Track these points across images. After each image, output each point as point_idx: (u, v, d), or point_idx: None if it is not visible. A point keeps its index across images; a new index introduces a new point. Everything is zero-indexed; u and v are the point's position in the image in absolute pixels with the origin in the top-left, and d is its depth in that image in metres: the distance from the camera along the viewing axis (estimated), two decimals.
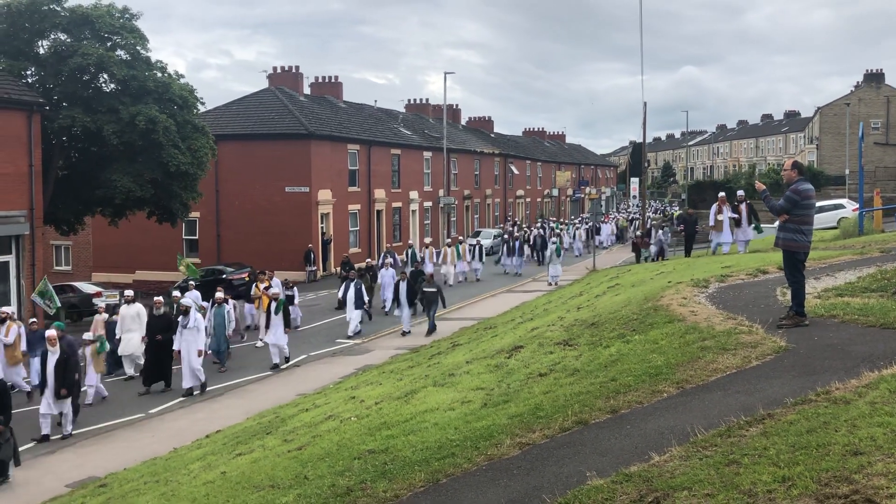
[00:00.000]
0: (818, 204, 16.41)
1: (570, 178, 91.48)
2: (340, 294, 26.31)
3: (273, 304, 21.13)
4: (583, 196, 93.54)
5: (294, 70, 50.23)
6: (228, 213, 42.55)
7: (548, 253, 43.11)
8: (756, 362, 8.06)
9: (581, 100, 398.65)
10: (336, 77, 54.70)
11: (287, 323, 21.24)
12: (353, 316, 24.52)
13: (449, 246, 36.70)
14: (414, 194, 53.83)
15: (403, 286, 24.18)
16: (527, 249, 44.38)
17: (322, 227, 43.07)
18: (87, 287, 34.91)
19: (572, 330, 12.60)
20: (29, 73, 29.90)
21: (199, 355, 18.49)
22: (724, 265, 17.07)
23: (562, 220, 63.43)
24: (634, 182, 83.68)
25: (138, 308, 20.90)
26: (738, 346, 8.62)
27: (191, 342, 18.50)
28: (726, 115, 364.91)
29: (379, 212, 49.23)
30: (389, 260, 31.54)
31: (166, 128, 29.27)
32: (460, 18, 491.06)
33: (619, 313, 12.58)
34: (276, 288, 24.56)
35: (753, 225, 23.50)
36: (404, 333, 23.94)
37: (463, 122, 76.56)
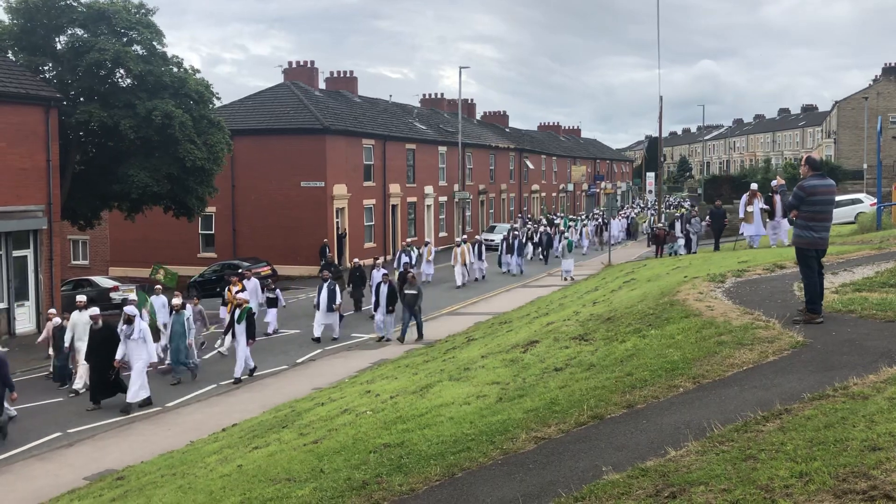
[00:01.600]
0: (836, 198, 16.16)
1: (585, 172, 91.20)
2: (315, 300, 24.11)
3: (237, 311, 19.43)
4: (598, 191, 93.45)
5: (309, 65, 50.32)
6: (244, 207, 42.69)
7: (560, 248, 42.90)
8: (773, 357, 8.02)
9: (597, 94, 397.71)
10: (351, 72, 54.78)
11: (251, 333, 19.29)
12: (322, 320, 23.20)
13: (458, 245, 34.61)
14: (429, 189, 53.82)
15: (385, 289, 22.64)
16: (530, 247, 43.06)
17: (337, 222, 43.15)
18: (104, 281, 35.08)
19: (588, 325, 12.59)
20: (46, 68, 30.07)
21: (147, 367, 17.16)
22: (740, 260, 17.00)
23: (569, 215, 62.10)
24: (650, 177, 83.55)
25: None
26: (754, 342, 8.59)
27: (135, 354, 17.08)
28: (744, 109, 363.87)
29: (394, 206, 49.24)
30: (381, 260, 29.60)
31: (182, 123, 29.37)
32: (476, 12, 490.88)
33: (634, 308, 12.56)
34: (248, 293, 22.99)
35: (788, 217, 22.75)
36: (380, 339, 22.44)
37: (478, 116, 76.47)
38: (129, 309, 17.79)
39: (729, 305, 10.91)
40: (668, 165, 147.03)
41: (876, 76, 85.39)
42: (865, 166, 63.10)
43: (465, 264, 33.93)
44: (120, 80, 30.57)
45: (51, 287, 27.30)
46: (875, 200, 30.54)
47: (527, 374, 9.95)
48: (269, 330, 25.04)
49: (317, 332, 23.20)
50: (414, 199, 51.94)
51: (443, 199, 56.05)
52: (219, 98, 33.83)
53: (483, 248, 36.54)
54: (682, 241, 33.12)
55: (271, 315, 25.26)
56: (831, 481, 4.78)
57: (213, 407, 16.80)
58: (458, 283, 33.44)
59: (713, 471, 5.28)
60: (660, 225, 37.79)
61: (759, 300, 11.20)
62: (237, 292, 22.12)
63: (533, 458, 6.50)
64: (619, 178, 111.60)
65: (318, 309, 23.45)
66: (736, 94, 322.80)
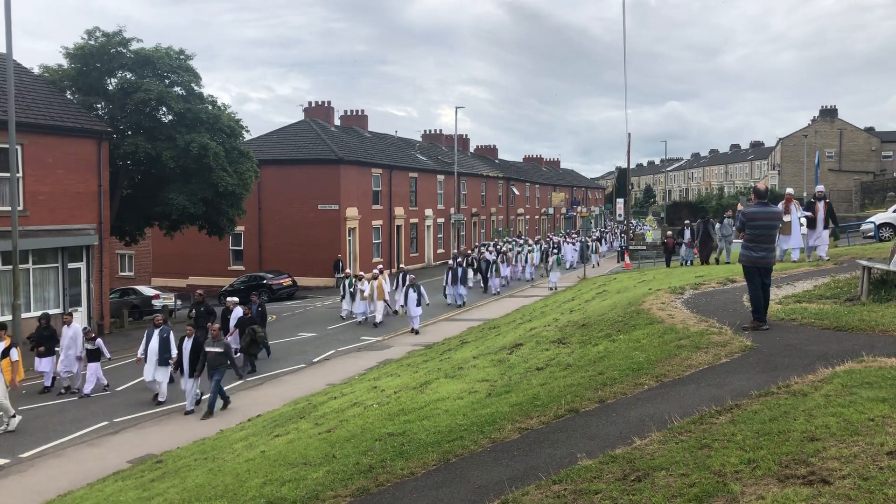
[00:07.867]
0: None
1: (563, 198, 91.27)
2: (141, 350, 16.83)
3: None
4: (574, 214, 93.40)
5: (326, 104, 50.42)
6: (269, 227, 42.68)
7: (551, 262, 42.25)
8: (725, 359, 8.01)
9: (578, 130, 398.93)
10: (362, 110, 54.95)
11: None
12: (149, 375, 16.58)
13: (375, 278, 26.09)
14: (429, 212, 53.84)
15: (188, 344, 15.71)
16: (470, 274, 33.18)
17: (349, 240, 43.15)
18: (146, 290, 35.06)
19: (566, 330, 12.56)
20: (99, 106, 30.13)
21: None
22: (697, 275, 17.00)
23: (517, 239, 56.46)
24: (620, 202, 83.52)
25: None
26: (709, 345, 8.58)
27: None
28: (709, 143, 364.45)
29: (398, 227, 49.26)
30: (236, 298, 21.70)
31: (216, 153, 29.43)
32: (471, 59, 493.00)
33: (606, 316, 12.54)
34: (67, 342, 17.54)
35: (832, 228, 18.21)
36: (187, 413, 15.53)
37: (472, 149, 76.57)
38: None
39: (687, 314, 10.91)
40: (636, 193, 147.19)
41: (814, 117, 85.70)
42: (805, 194, 63.21)
43: (384, 299, 26.23)
44: (162, 116, 30.62)
45: (100, 295, 27.25)
46: None
47: (512, 372, 9.92)
48: (86, 390, 17.64)
49: (161, 394, 16.71)
50: (416, 220, 51.95)
51: (440, 220, 56.07)
52: (248, 132, 33.93)
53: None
54: (720, 247, 24.43)
55: (91, 370, 17.78)
56: (775, 467, 4.77)
57: (239, 399, 16.69)
58: (378, 318, 25.72)
59: (673, 458, 5.26)
60: (669, 233, 33.04)
61: (713, 310, 11.20)
62: (4, 352, 15.32)
63: (517, 446, 6.48)
64: (592, 204, 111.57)
65: (146, 361, 16.57)
66: (700, 130, 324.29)
